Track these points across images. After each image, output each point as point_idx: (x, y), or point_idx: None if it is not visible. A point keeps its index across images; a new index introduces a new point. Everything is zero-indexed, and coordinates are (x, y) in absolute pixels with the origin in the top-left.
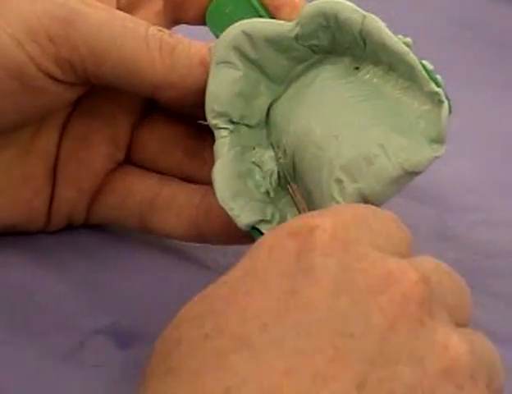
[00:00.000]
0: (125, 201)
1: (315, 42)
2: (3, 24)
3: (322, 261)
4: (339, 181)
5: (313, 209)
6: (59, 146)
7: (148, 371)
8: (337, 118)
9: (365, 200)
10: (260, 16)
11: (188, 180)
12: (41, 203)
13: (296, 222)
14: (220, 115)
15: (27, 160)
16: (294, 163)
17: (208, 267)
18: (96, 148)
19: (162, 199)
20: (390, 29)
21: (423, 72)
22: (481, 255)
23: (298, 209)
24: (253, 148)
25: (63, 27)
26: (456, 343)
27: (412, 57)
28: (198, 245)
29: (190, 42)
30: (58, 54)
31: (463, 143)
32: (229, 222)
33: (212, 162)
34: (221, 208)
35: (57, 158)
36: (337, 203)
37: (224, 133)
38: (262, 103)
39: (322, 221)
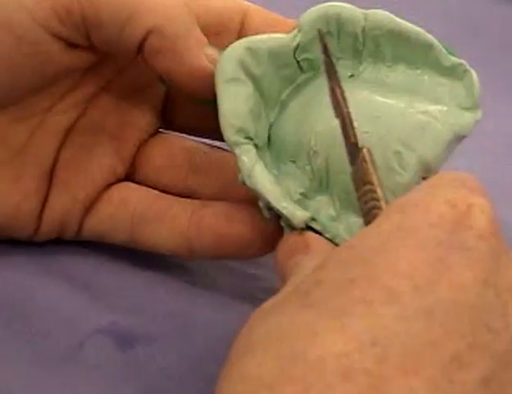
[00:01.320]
0: (117, 212)
1: (310, 56)
2: None
3: (477, 244)
4: (397, 153)
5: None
6: (59, 152)
7: (278, 304)
8: (365, 105)
9: (426, 167)
10: None
11: (191, 196)
12: (31, 208)
13: (452, 191)
14: (240, 131)
15: (20, 160)
16: (327, 165)
17: (209, 267)
18: (98, 160)
19: (154, 210)
20: None
21: (441, 48)
22: None
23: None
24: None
25: None
26: None
27: (428, 36)
28: None
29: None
30: (55, 2)
31: (463, 142)
32: (219, 235)
33: (219, 179)
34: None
35: (54, 164)
36: (399, 175)
37: (248, 147)
38: (264, 124)
39: (478, 200)
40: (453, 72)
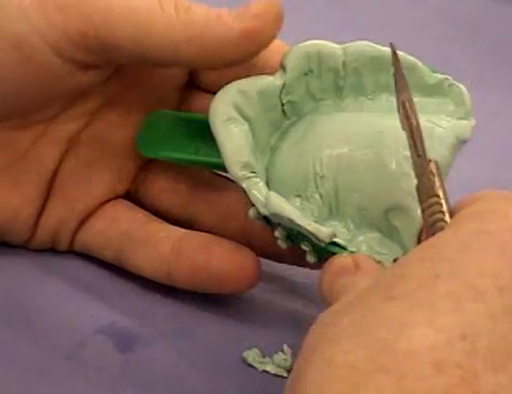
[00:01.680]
0: (108, 229)
1: (294, 98)
2: None
3: None
4: (408, 158)
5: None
6: (60, 162)
7: (360, 297)
8: (366, 124)
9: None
10: (194, 133)
11: (191, 223)
12: (28, 214)
13: None
14: (245, 166)
15: (21, 166)
16: (336, 187)
17: None
18: (99, 175)
19: (142, 233)
20: (390, 29)
21: (425, 67)
22: None
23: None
24: None
25: None
26: None
27: (410, 57)
28: None
29: (208, 7)
30: (68, 25)
31: None
32: (196, 266)
33: (218, 208)
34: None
35: (55, 173)
36: (411, 176)
37: (256, 180)
38: (260, 166)
39: None
40: (439, 89)
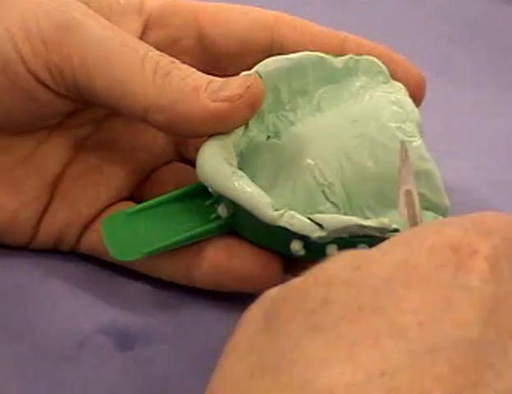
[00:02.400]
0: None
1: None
2: (4, 16)
3: (480, 285)
4: (399, 128)
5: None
6: (66, 167)
7: (282, 316)
8: (331, 125)
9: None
10: (160, 218)
11: None
12: (28, 217)
13: (459, 237)
14: (272, 205)
15: (23, 169)
16: (345, 186)
17: None
18: (106, 179)
19: None
20: (390, 29)
21: (328, 55)
22: None
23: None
24: None
25: (59, 33)
26: None
27: (313, 53)
28: None
29: (194, 72)
30: (49, 59)
31: (463, 143)
32: (219, 267)
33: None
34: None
35: (59, 178)
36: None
37: (291, 212)
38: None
39: (484, 247)
40: (349, 70)
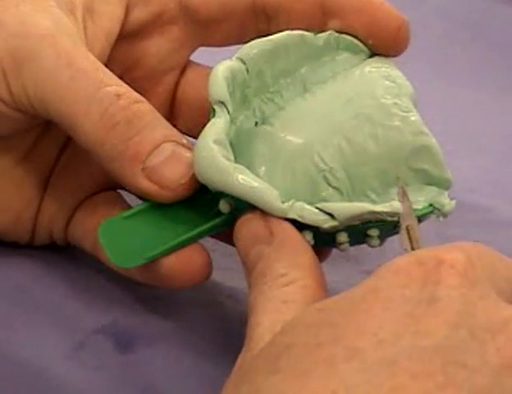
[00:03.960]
0: (87, 221)
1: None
2: None
3: (446, 293)
4: (395, 105)
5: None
6: (58, 159)
7: (250, 369)
8: (324, 106)
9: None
10: (156, 221)
11: None
12: (29, 217)
13: (426, 253)
14: (281, 197)
15: (23, 167)
16: (347, 169)
17: None
18: (89, 168)
19: None
20: None
21: (309, 33)
22: None
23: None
24: None
25: (15, 62)
26: None
27: (294, 32)
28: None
29: (145, 128)
30: (9, 85)
31: (463, 143)
32: (147, 264)
33: None
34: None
35: (52, 171)
36: (408, 113)
37: (298, 203)
38: None
39: (451, 257)
40: (329, 46)
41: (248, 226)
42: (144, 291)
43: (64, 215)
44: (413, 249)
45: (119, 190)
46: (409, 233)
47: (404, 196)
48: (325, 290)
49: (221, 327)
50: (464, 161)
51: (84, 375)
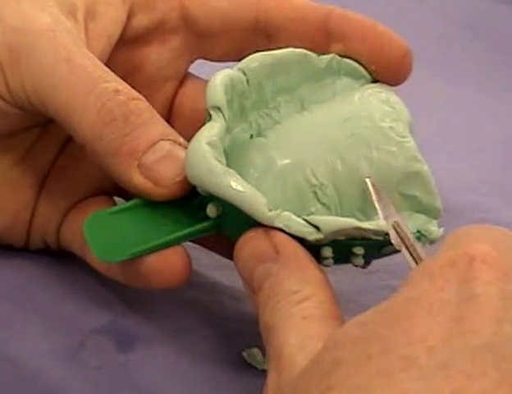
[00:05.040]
0: (74, 225)
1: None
2: None
3: (484, 290)
4: (391, 128)
5: None
6: (54, 161)
7: (297, 391)
8: (322, 123)
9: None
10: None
11: None
12: (25, 219)
13: (454, 251)
14: (267, 204)
15: (19, 169)
16: (337, 186)
17: (208, 267)
18: (84, 171)
19: None
20: (390, 28)
21: (312, 53)
22: None
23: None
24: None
25: (12, 57)
26: None
27: (297, 50)
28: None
29: (142, 125)
30: (7, 80)
31: (463, 143)
32: (126, 264)
33: None
34: None
35: (48, 173)
36: (403, 139)
37: (285, 213)
38: None
39: (480, 252)
40: (331, 69)
41: (251, 244)
42: (143, 291)
43: (57, 218)
44: (405, 244)
45: (112, 197)
46: (396, 229)
47: (376, 190)
48: (336, 302)
49: (221, 326)
50: (464, 161)
51: (84, 375)
